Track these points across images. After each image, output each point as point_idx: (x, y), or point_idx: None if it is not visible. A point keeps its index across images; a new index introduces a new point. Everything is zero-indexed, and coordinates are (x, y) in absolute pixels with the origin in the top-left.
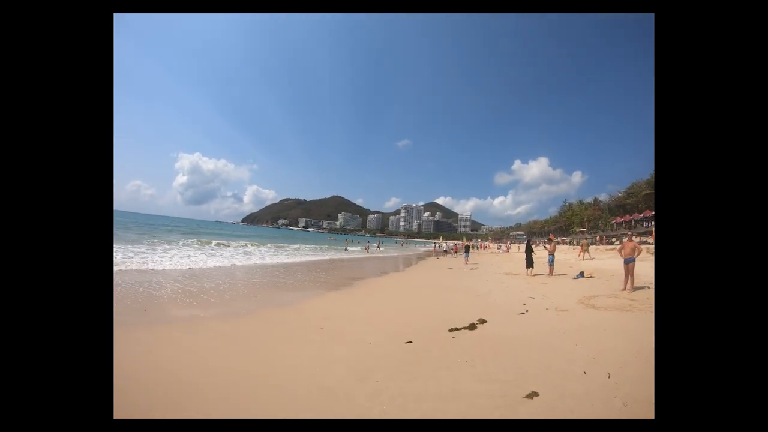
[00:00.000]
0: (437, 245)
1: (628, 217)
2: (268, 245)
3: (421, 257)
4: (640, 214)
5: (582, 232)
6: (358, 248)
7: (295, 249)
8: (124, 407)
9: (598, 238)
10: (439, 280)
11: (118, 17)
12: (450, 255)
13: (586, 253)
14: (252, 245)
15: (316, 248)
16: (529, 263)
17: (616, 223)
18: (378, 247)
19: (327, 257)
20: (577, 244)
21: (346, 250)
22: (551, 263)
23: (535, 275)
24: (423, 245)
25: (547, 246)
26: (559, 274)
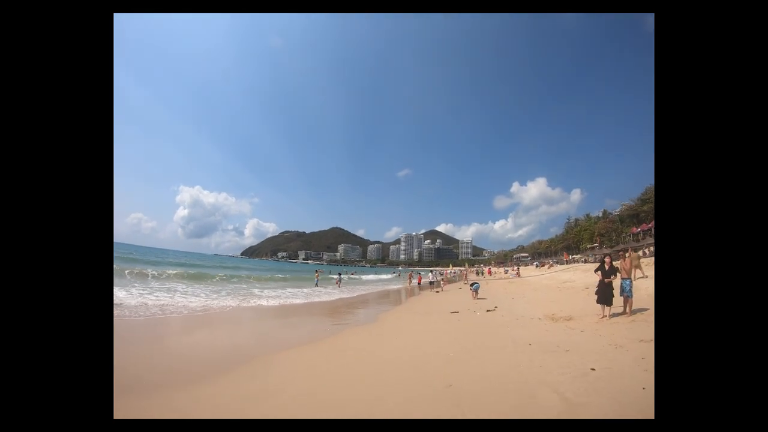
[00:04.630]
0: (435, 272)
1: (645, 226)
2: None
3: (412, 291)
4: None
5: (593, 248)
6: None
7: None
8: None
9: (621, 252)
10: (435, 353)
11: (117, 39)
12: (439, 288)
13: (638, 270)
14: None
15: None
16: (607, 299)
17: (633, 234)
18: (339, 282)
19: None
20: (594, 262)
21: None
22: (629, 293)
23: (603, 317)
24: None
25: (616, 263)
26: (639, 310)
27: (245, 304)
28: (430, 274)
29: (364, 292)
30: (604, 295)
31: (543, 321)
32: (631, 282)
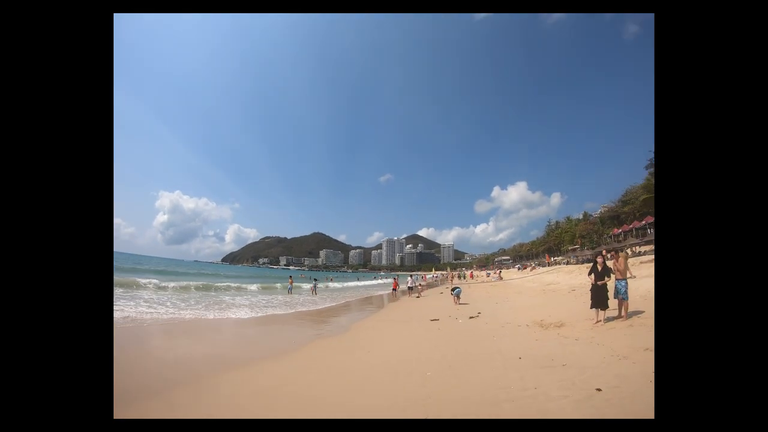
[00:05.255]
0: (414, 277)
1: (626, 227)
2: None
3: (392, 297)
4: (641, 221)
5: (574, 250)
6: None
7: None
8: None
9: (604, 252)
10: (411, 370)
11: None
12: (418, 293)
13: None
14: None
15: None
16: (602, 302)
17: (614, 235)
18: (313, 289)
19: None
20: (576, 263)
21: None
22: (625, 295)
23: (598, 322)
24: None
25: (609, 264)
26: (635, 312)
27: (216, 315)
28: (409, 278)
29: (341, 302)
30: (598, 298)
31: (531, 328)
32: (626, 283)
